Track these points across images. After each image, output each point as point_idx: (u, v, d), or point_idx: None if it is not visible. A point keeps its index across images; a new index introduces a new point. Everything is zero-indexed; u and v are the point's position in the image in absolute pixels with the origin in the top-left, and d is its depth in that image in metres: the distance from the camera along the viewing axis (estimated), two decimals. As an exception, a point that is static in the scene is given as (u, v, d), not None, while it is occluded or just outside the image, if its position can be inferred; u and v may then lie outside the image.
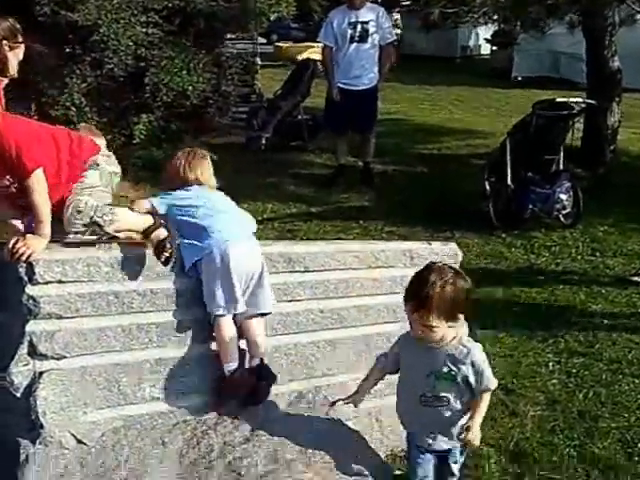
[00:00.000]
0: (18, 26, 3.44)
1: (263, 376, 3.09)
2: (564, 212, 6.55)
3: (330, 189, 7.82)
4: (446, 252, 3.88)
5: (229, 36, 9.33)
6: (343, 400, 2.94)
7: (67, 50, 6.26)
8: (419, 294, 2.61)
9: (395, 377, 2.97)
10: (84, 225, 2.80)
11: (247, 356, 3.11)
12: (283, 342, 3.28)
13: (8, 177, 2.79)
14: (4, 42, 3.37)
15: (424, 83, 15.55)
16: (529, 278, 5.53)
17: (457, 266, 3.90)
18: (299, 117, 9.46)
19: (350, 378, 3.47)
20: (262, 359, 3.10)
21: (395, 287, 3.65)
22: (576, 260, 5.96)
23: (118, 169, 3.15)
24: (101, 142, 3.58)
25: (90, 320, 2.79)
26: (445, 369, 2.65)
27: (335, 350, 3.44)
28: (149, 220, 2.99)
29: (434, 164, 8.82)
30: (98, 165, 2.99)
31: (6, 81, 3.51)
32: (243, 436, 2.97)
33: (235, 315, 3.05)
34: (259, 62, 10.96)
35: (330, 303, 3.43)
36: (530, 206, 6.46)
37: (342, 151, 8.08)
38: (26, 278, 2.69)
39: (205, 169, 3.25)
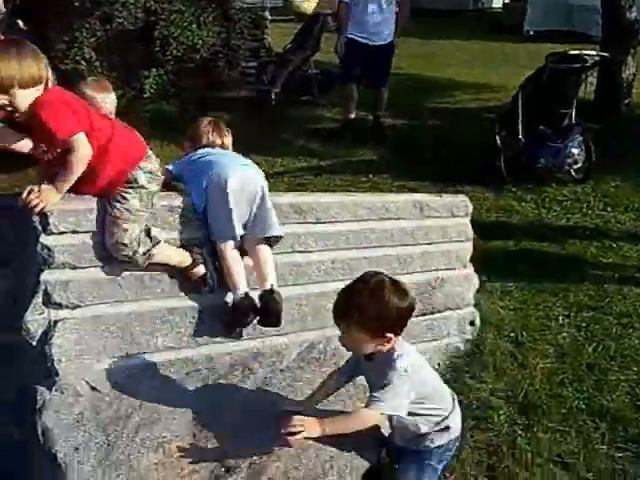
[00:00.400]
0: None
1: (272, 300, 3.07)
2: (575, 166, 6.49)
3: (339, 143, 7.77)
4: (457, 204, 3.88)
5: (238, -11, 9.20)
6: (291, 408, 2.76)
7: (76, 4, 6.18)
8: (338, 303, 2.56)
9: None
10: (126, 256, 2.80)
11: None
12: (294, 292, 3.29)
13: (43, 145, 2.74)
14: None
15: (435, 37, 15.34)
16: (540, 232, 5.51)
17: (468, 218, 3.94)
18: (309, 71, 9.37)
19: (361, 329, 3.49)
20: (272, 285, 3.10)
21: (405, 238, 3.66)
22: (587, 215, 5.93)
23: (158, 185, 2.93)
24: (111, 96, 3.56)
25: (104, 270, 2.80)
26: (379, 381, 2.52)
27: (346, 301, 3.44)
28: (187, 258, 3.01)
29: (445, 118, 8.75)
30: (142, 187, 2.82)
31: None
32: (254, 385, 3.01)
33: (242, 242, 3.09)
34: (268, 16, 10.79)
35: (341, 254, 3.44)
36: (541, 160, 6.40)
37: (352, 105, 7.96)
38: (40, 228, 2.70)
39: (229, 139, 3.45)
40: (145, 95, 6.49)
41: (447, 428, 2.65)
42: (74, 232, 2.77)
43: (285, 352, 3.24)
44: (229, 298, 3.06)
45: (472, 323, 3.97)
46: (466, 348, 3.87)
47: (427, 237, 3.75)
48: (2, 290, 2.92)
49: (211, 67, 7.00)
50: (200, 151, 3.29)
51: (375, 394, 2.49)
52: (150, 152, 2.90)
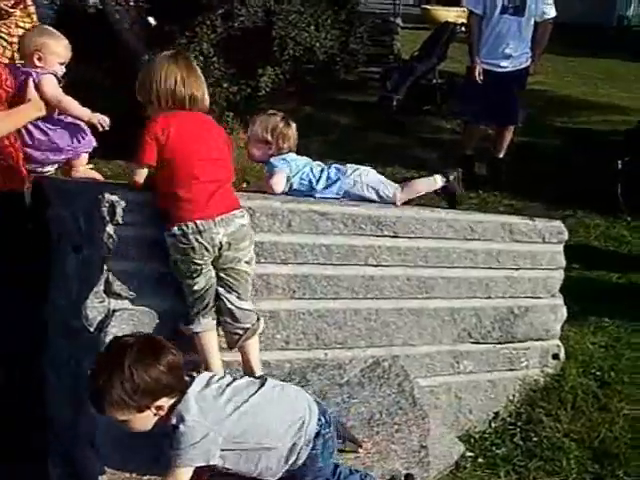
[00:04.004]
0: None
1: None
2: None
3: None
4: (550, 229, 3.68)
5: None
6: None
7: (202, 0, 6.33)
8: (89, 391, 2.31)
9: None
10: None
11: None
12: (364, 306, 3.21)
13: None
14: None
15: (571, 53, 14.75)
16: (650, 267, 5.16)
17: (561, 245, 3.72)
18: (433, 81, 9.24)
19: (432, 350, 3.39)
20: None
21: (490, 261, 3.51)
22: None
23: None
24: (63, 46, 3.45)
25: (165, 264, 2.82)
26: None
27: (419, 320, 3.34)
28: None
29: (569, 138, 8.39)
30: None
31: None
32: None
33: None
34: (400, 23, 10.72)
35: (418, 271, 3.32)
36: (662, 191, 6.01)
37: (471, 142, 7.08)
38: (108, 217, 2.74)
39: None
40: (260, 93, 6.55)
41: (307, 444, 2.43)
42: (141, 225, 2.80)
43: (347, 366, 3.16)
44: None
45: (556, 357, 3.75)
46: (546, 382, 3.67)
47: (514, 262, 3.57)
48: (77, 275, 2.99)
49: (328, 70, 6.98)
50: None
51: (169, 454, 2.29)
52: None
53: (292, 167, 3.44)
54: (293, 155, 3.49)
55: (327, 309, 3.13)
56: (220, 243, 2.65)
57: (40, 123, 3.37)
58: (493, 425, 3.48)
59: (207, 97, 2.85)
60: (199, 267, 2.66)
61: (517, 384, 3.62)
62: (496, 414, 3.52)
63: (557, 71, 12.71)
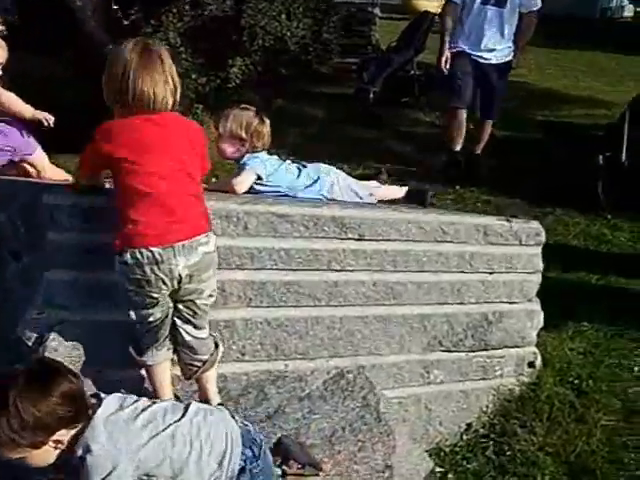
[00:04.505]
0: None
1: None
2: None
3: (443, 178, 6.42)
4: (527, 231, 3.49)
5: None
6: None
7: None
8: None
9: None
10: None
11: None
12: (326, 313, 3.01)
13: None
14: None
15: (553, 45, 14.56)
16: (630, 267, 4.96)
17: (539, 248, 3.54)
18: (411, 72, 9.03)
19: (400, 360, 3.20)
20: None
21: (463, 265, 3.32)
22: (691, 253, 5.34)
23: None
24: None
25: (108, 273, 2.60)
26: None
27: (386, 328, 3.14)
28: None
29: (550, 132, 8.21)
30: None
31: None
32: (266, 412, 2.75)
33: None
34: (379, 13, 10.50)
35: (385, 276, 3.12)
36: (644, 187, 5.82)
37: (460, 135, 6.46)
38: (48, 223, 2.53)
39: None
40: (230, 84, 6.32)
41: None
42: (85, 230, 2.59)
43: (309, 378, 2.96)
44: None
45: (531, 364, 3.57)
46: (521, 391, 3.48)
47: (488, 265, 3.38)
48: (16, 284, 2.77)
49: (300, 60, 6.76)
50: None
51: None
52: None
53: (267, 166, 3.30)
54: (266, 154, 3.35)
55: (287, 318, 2.93)
56: (180, 275, 2.33)
57: None
58: (465, 437, 3.30)
59: (172, 96, 2.41)
60: (155, 300, 2.37)
61: (491, 394, 3.43)
62: (468, 426, 3.34)
63: (539, 63, 12.55)
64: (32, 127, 3.69)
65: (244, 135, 3.25)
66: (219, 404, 2.58)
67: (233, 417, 2.27)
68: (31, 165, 3.47)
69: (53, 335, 2.54)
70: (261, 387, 2.87)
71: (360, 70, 9.11)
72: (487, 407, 3.40)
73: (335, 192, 3.43)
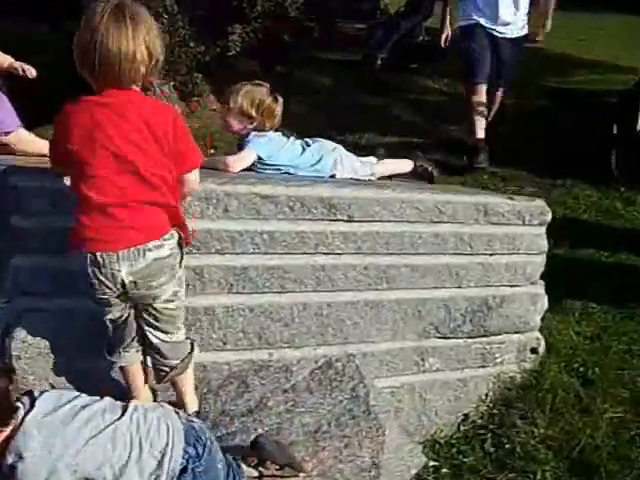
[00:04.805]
0: None
1: None
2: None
3: (466, 165, 5.96)
4: (530, 210, 3.29)
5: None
6: None
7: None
8: None
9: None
10: None
11: None
12: (313, 300, 2.84)
13: None
14: None
15: (568, 8, 14.07)
16: (643, 244, 4.75)
17: (543, 227, 3.34)
18: (419, 38, 8.73)
19: (394, 347, 3.03)
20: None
21: (462, 246, 3.14)
22: None
23: None
24: None
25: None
26: None
27: (378, 314, 2.97)
28: None
29: (561, 99, 7.87)
30: None
31: None
32: (247, 405, 2.59)
33: None
34: (388, -25, 10.14)
35: (377, 259, 2.94)
36: (659, 159, 5.56)
37: (480, 112, 5.93)
38: (15, 208, 2.37)
39: None
40: (230, 53, 6.09)
41: None
42: (52, 214, 2.42)
43: (295, 368, 2.80)
44: None
45: (534, 351, 3.39)
46: (523, 379, 3.31)
47: (488, 246, 3.19)
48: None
49: (303, 27, 6.51)
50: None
51: None
52: None
53: (271, 146, 3.18)
54: (273, 134, 3.25)
55: (271, 304, 2.77)
56: (123, 281, 2.15)
57: None
58: (462, 429, 3.13)
59: (144, 65, 2.13)
60: (106, 300, 2.21)
61: (490, 382, 3.27)
62: (465, 416, 3.18)
63: (552, 28, 12.15)
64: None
65: (254, 113, 3.16)
66: (195, 412, 2.43)
67: (177, 413, 2.13)
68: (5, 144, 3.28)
69: (20, 324, 2.38)
70: (243, 377, 2.72)
71: (367, 36, 8.82)
72: (486, 396, 3.24)
73: (338, 170, 3.33)
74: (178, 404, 2.43)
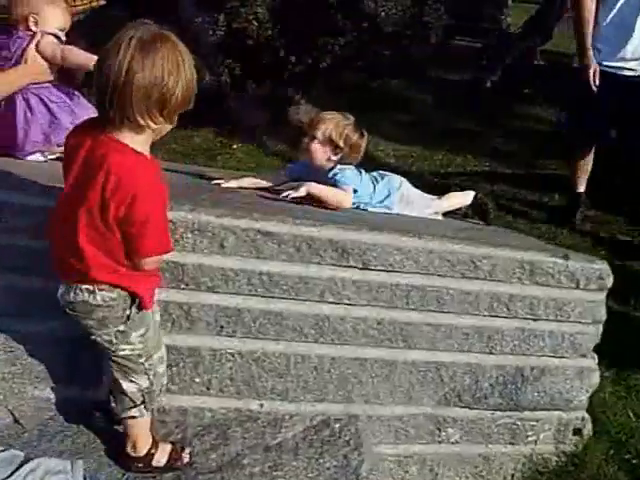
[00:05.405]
0: None
1: None
2: None
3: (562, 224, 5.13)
4: (587, 273, 2.89)
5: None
6: None
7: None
8: None
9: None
10: None
11: None
12: (315, 352, 2.56)
13: None
14: None
15: None
16: None
17: (603, 293, 2.94)
18: (535, 62, 8.26)
19: (407, 412, 2.72)
20: None
21: (498, 308, 2.78)
22: None
23: None
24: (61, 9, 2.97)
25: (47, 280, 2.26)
26: None
27: (391, 374, 2.66)
28: None
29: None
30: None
31: None
32: (219, 460, 2.35)
33: None
34: (512, -4, 9.75)
35: (393, 314, 2.64)
36: None
37: (584, 174, 5.05)
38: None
39: None
40: (322, 65, 5.89)
41: None
42: (32, 232, 2.28)
43: (286, 424, 2.53)
44: None
45: (577, 432, 2.98)
46: (559, 464, 2.91)
47: (530, 310, 2.82)
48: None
49: (396, 43, 6.23)
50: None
51: None
52: None
53: (358, 182, 3.11)
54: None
55: (264, 352, 2.51)
56: (64, 307, 2.06)
57: (42, 93, 2.90)
58: (477, 514, 2.78)
59: (120, 109, 1.87)
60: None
61: (520, 462, 2.89)
62: (484, 498, 2.82)
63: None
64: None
65: (341, 144, 3.02)
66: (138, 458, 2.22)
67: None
68: None
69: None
70: (225, 427, 2.47)
71: (480, 56, 8.44)
72: (512, 477, 2.86)
73: (402, 206, 3.28)
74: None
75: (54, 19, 2.96)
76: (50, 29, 2.93)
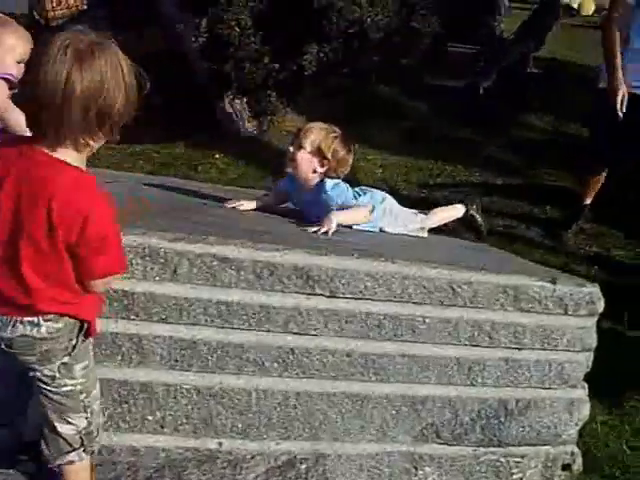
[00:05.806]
0: None
1: None
2: None
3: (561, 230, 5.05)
4: (575, 298, 2.70)
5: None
6: None
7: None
8: None
9: None
10: None
11: None
12: (278, 387, 2.36)
13: None
14: None
15: None
16: None
17: (593, 319, 2.75)
18: (528, 69, 8.06)
19: (380, 449, 2.51)
20: None
21: (479, 337, 2.58)
22: None
23: None
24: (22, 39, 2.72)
25: None
26: None
27: (362, 410, 2.46)
28: None
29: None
30: None
31: None
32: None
33: None
34: (506, 2, 9.51)
35: (364, 345, 2.44)
36: None
37: (595, 187, 4.90)
38: None
39: None
40: (306, 72, 5.70)
41: None
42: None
43: (248, 465, 2.35)
44: None
45: (567, 467, 2.78)
46: (546, 503, 2.71)
47: (514, 339, 2.62)
48: None
49: (384, 49, 6.04)
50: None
51: None
52: None
53: (349, 197, 3.08)
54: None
55: (224, 387, 2.32)
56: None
57: None
58: None
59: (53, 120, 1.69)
60: None
61: (503, 501, 2.68)
62: (466, 542, 2.61)
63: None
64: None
65: (329, 156, 2.94)
66: None
67: None
68: None
69: None
70: (181, 469, 2.29)
71: (473, 63, 8.25)
72: (495, 516, 2.66)
73: (386, 222, 3.19)
74: None
75: (12, 52, 2.65)
76: (5, 67, 2.64)
